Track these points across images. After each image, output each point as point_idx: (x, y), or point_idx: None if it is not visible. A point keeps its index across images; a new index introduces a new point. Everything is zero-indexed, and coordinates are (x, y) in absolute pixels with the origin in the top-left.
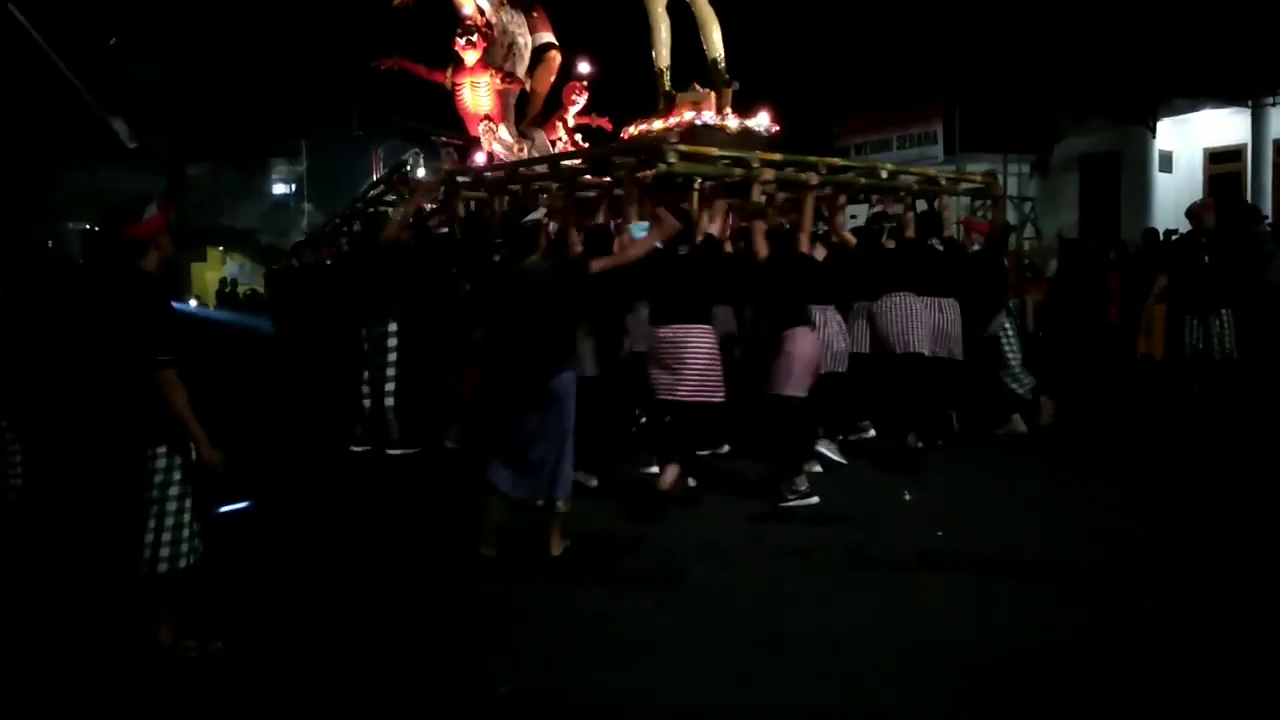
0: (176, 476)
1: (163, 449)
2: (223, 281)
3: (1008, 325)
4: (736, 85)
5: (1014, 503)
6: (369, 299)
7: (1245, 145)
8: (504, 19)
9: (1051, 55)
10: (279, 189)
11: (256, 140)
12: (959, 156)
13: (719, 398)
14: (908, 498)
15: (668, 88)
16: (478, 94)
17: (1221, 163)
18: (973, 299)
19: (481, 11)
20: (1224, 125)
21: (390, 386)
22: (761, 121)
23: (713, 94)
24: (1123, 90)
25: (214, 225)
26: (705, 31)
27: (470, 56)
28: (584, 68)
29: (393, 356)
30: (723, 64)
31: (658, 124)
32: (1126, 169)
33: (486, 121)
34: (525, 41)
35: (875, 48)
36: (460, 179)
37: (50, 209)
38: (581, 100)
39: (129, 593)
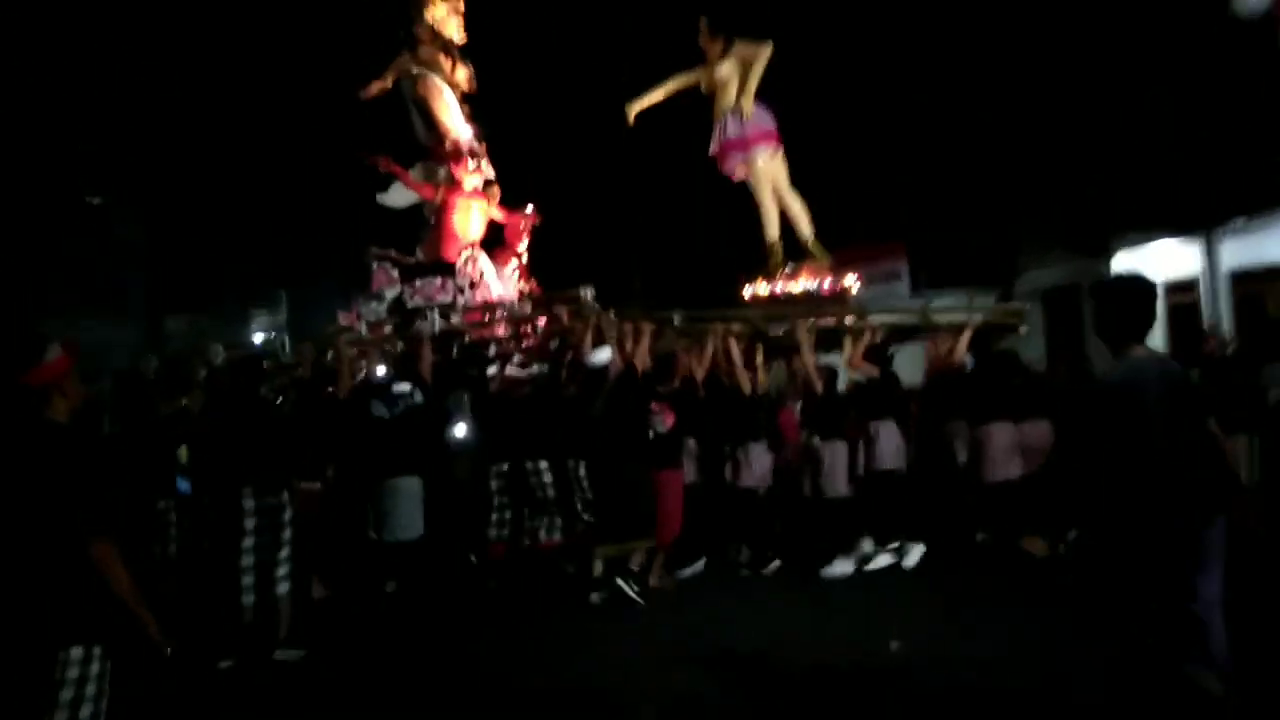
0: (90, 690)
1: (77, 650)
2: None
3: None
4: (832, 260)
5: (1013, 647)
6: (268, 460)
7: (1199, 277)
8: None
9: (1008, 192)
10: (259, 338)
11: (238, 291)
12: (925, 293)
13: None
14: (894, 646)
15: (780, 258)
16: (468, 218)
17: (1178, 294)
18: None
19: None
20: (1178, 257)
21: (284, 570)
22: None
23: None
24: (1078, 224)
25: (189, 378)
26: (796, 220)
27: (471, 181)
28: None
29: (287, 533)
30: (814, 243)
31: (797, 286)
32: (1087, 300)
33: (471, 249)
34: (483, 175)
35: (840, 187)
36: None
37: None
38: (527, 239)
39: None
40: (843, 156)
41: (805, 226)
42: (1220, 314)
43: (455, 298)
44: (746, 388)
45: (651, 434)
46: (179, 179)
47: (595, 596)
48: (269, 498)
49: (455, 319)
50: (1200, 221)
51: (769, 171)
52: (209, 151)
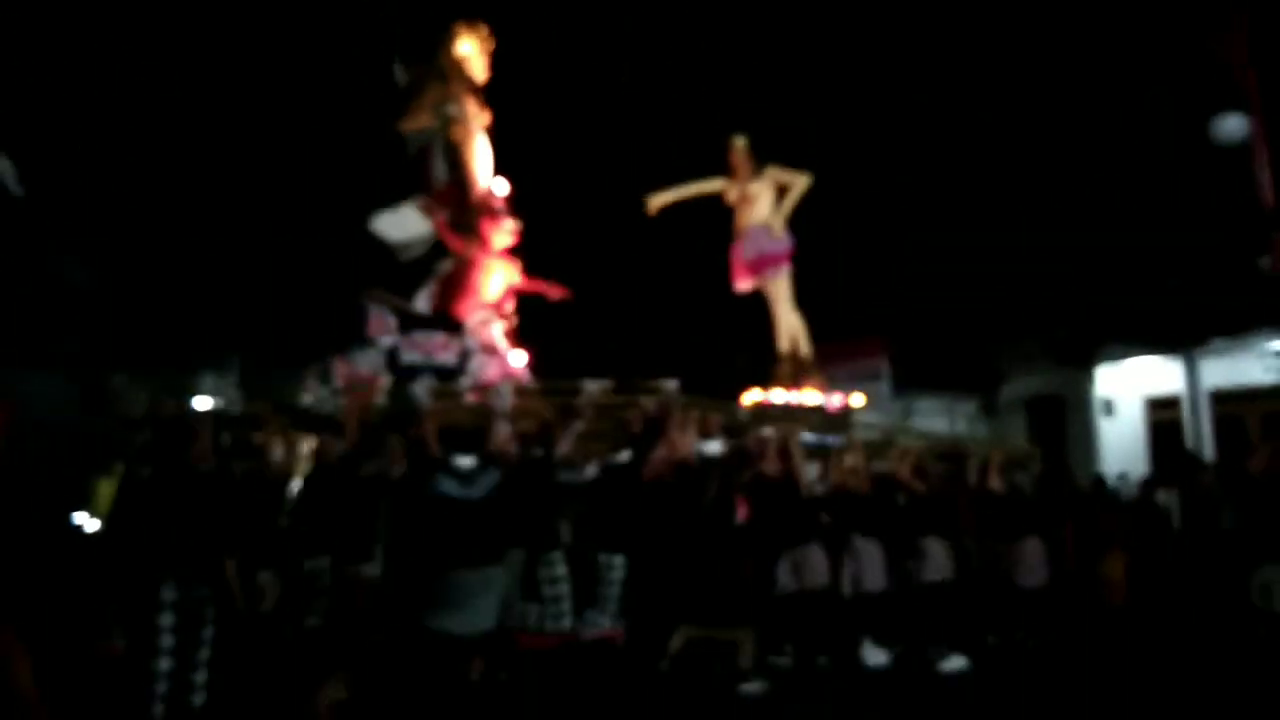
0: None
1: None
2: None
3: None
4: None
5: None
6: (195, 543)
7: (1182, 394)
8: None
9: (994, 299)
10: (204, 400)
11: (186, 351)
12: (906, 394)
13: None
14: None
15: (791, 367)
16: (490, 280)
17: (1161, 410)
18: None
19: None
20: (1161, 373)
21: (201, 677)
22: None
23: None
24: (1062, 335)
25: (129, 439)
26: (798, 336)
27: (503, 241)
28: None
29: (209, 631)
30: (811, 359)
31: (805, 398)
32: (1071, 412)
33: (487, 312)
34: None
35: (826, 283)
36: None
37: None
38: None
39: None
40: (830, 250)
41: (805, 342)
42: (1202, 432)
43: (464, 360)
44: (804, 488)
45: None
46: (130, 229)
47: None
48: (195, 589)
49: (466, 382)
50: (1180, 341)
51: (785, 287)
52: (162, 203)
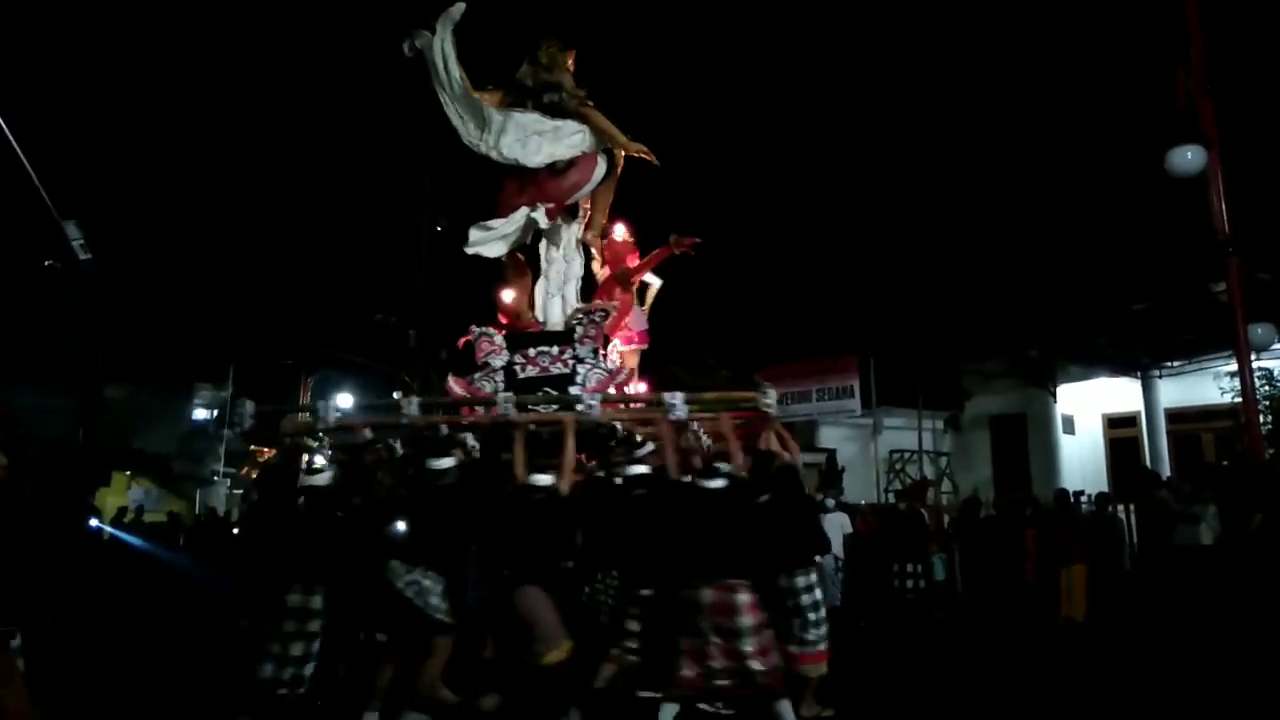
0: None
1: None
2: (122, 510)
3: None
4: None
5: None
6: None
7: (1139, 413)
8: None
9: (958, 319)
10: (199, 414)
11: (181, 362)
12: (875, 410)
13: None
14: None
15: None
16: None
17: (1119, 428)
18: None
19: None
20: (1119, 392)
21: None
22: None
23: None
24: (1023, 356)
25: (124, 449)
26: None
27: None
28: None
29: None
30: None
31: None
32: (1033, 429)
33: (615, 341)
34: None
35: (798, 301)
36: None
37: None
38: None
39: None
40: (807, 274)
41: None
42: (1160, 449)
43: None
44: None
45: None
46: (129, 242)
47: None
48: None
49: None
50: (1136, 362)
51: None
52: (161, 216)
